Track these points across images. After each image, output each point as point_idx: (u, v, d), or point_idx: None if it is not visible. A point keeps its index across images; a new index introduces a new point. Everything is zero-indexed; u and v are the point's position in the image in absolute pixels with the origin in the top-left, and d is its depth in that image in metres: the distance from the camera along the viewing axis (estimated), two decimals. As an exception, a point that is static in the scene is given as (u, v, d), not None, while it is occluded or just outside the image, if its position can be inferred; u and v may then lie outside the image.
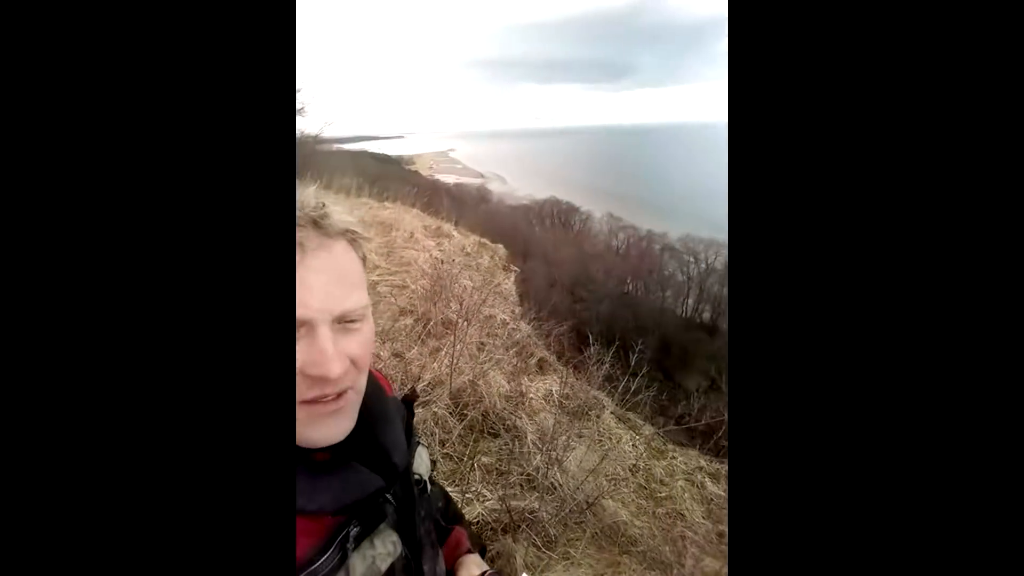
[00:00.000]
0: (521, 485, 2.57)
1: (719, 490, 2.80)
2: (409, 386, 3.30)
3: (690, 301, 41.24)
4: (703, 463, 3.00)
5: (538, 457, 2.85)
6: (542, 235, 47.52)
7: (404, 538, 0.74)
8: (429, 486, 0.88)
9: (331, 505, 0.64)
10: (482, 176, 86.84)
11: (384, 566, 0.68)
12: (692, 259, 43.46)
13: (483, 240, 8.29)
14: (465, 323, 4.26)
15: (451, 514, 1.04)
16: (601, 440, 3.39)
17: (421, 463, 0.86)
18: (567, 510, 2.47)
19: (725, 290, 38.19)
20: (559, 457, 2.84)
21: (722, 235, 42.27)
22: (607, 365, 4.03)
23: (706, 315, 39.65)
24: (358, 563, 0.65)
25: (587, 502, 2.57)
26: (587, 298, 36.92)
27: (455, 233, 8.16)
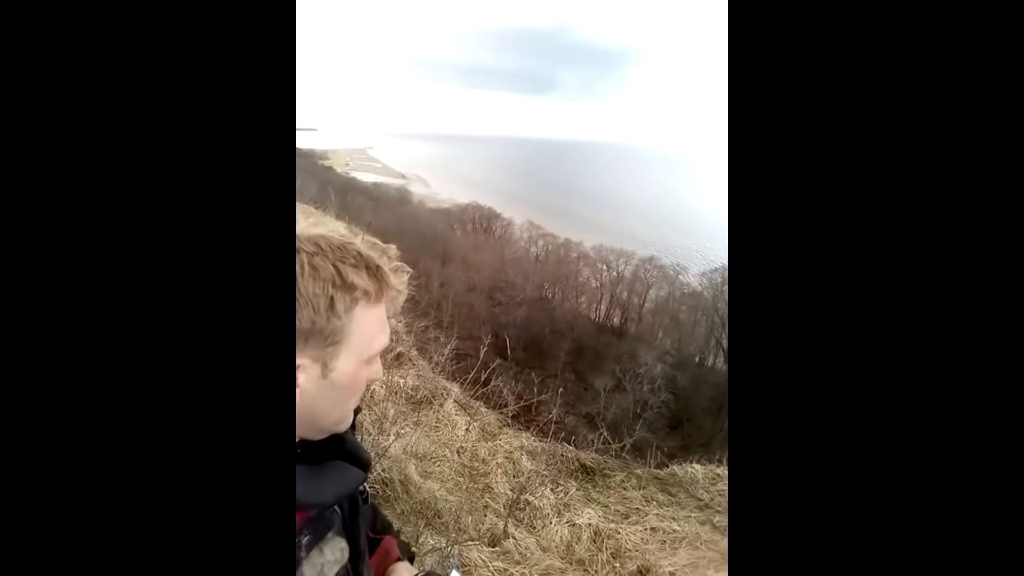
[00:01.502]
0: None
1: (532, 465, 3.04)
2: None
3: (602, 306, 43.75)
4: (525, 442, 3.24)
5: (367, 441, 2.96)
6: (463, 240, 47.40)
7: (350, 545, 0.76)
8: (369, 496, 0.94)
9: (330, 498, 0.70)
10: (403, 177, 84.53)
11: (331, 574, 0.69)
12: (604, 267, 46.10)
13: (372, 239, 8.06)
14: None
15: (380, 524, 1.07)
16: (436, 426, 3.51)
17: None
18: (381, 490, 2.64)
19: (635, 298, 41.12)
20: (385, 443, 2.95)
21: (631, 245, 45.51)
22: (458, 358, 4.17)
23: (616, 320, 42.26)
24: (308, 572, 0.66)
25: (400, 481, 2.75)
26: (505, 302, 37.50)
27: (344, 231, 7.85)
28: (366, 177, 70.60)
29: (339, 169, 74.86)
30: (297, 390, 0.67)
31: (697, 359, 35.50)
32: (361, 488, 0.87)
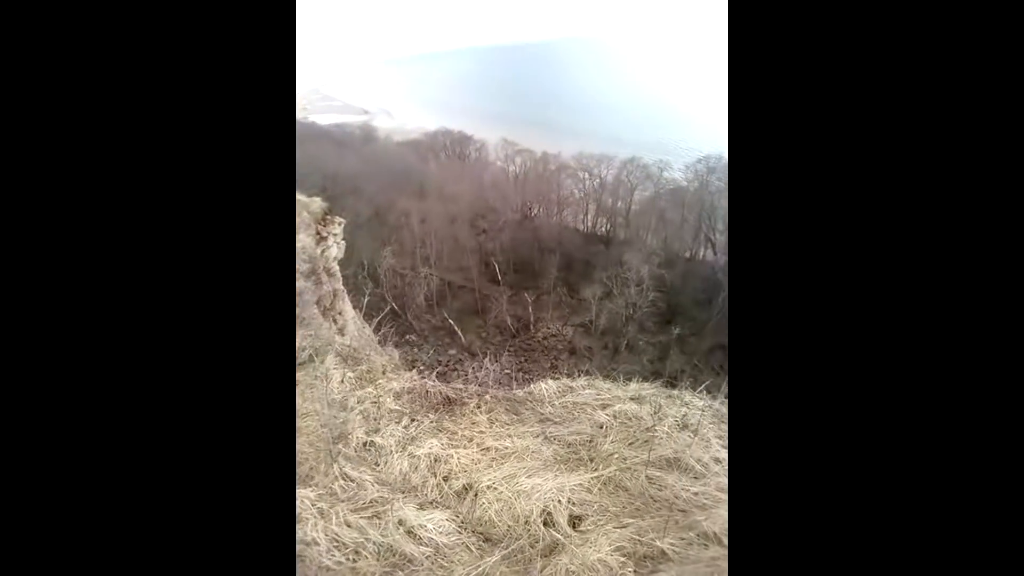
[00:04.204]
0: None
1: (396, 405, 3.13)
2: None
3: (588, 216, 43.22)
4: (401, 384, 3.31)
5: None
6: (437, 171, 45.73)
7: None
8: None
9: None
10: (366, 112, 79.65)
11: None
12: (586, 175, 44.75)
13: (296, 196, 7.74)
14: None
15: None
16: (312, 384, 3.61)
17: None
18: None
19: (619, 202, 40.46)
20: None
21: (612, 148, 43.73)
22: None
23: (602, 228, 41.91)
24: None
25: None
26: (489, 228, 37.14)
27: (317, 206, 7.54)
28: (326, 119, 66.56)
29: (297, 115, 70.47)
30: None
31: (687, 255, 35.79)
32: None
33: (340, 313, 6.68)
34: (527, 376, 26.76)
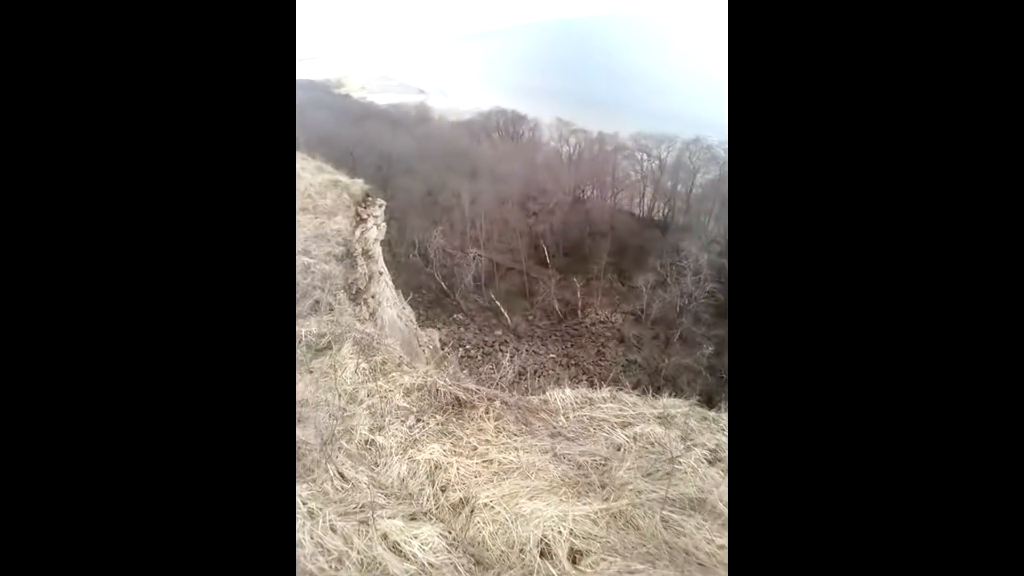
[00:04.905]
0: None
1: (404, 402, 3.01)
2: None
3: (645, 200, 41.39)
4: (413, 380, 3.16)
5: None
6: (490, 151, 45.44)
7: None
8: None
9: None
10: (422, 92, 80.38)
11: None
12: (644, 156, 42.88)
13: (336, 178, 7.75)
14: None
15: None
16: (327, 372, 3.49)
17: None
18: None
19: (679, 186, 38.30)
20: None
21: (673, 128, 41.29)
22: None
23: (659, 213, 40.11)
24: None
25: None
26: (540, 211, 36.54)
27: (304, 173, 7.58)
28: (384, 99, 67.86)
29: (356, 95, 72.37)
30: None
31: (750, 242, 33.28)
32: None
33: (373, 296, 6.70)
34: (571, 361, 26.41)
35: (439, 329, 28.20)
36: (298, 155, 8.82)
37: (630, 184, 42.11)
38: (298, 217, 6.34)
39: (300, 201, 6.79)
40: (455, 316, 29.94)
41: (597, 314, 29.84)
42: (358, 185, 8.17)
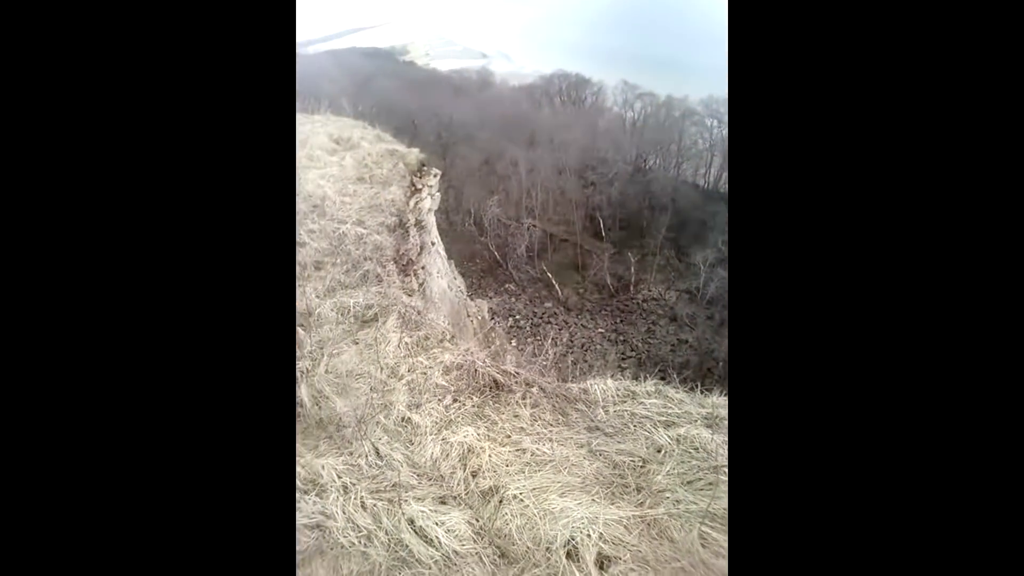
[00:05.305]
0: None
1: (444, 380, 3.04)
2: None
3: (712, 170, 38.70)
4: (453, 358, 3.12)
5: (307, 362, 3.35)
6: (550, 117, 44.11)
7: None
8: None
9: None
10: (484, 56, 78.84)
11: None
12: (715, 122, 39.83)
13: (394, 148, 7.69)
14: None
15: None
16: (371, 344, 3.47)
17: None
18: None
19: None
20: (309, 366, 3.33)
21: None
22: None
23: (727, 185, 37.41)
24: None
25: (313, 397, 3.06)
26: (598, 181, 35.25)
27: (363, 143, 7.58)
28: (446, 65, 67.37)
29: (420, 62, 72.36)
30: None
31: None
32: None
33: (423, 268, 6.77)
34: (620, 337, 25.86)
35: (490, 299, 28.59)
36: (358, 124, 8.96)
37: (697, 153, 39.40)
38: (354, 187, 6.44)
39: (357, 171, 6.88)
40: (507, 286, 30.14)
41: (650, 291, 28.82)
42: (414, 154, 8.16)
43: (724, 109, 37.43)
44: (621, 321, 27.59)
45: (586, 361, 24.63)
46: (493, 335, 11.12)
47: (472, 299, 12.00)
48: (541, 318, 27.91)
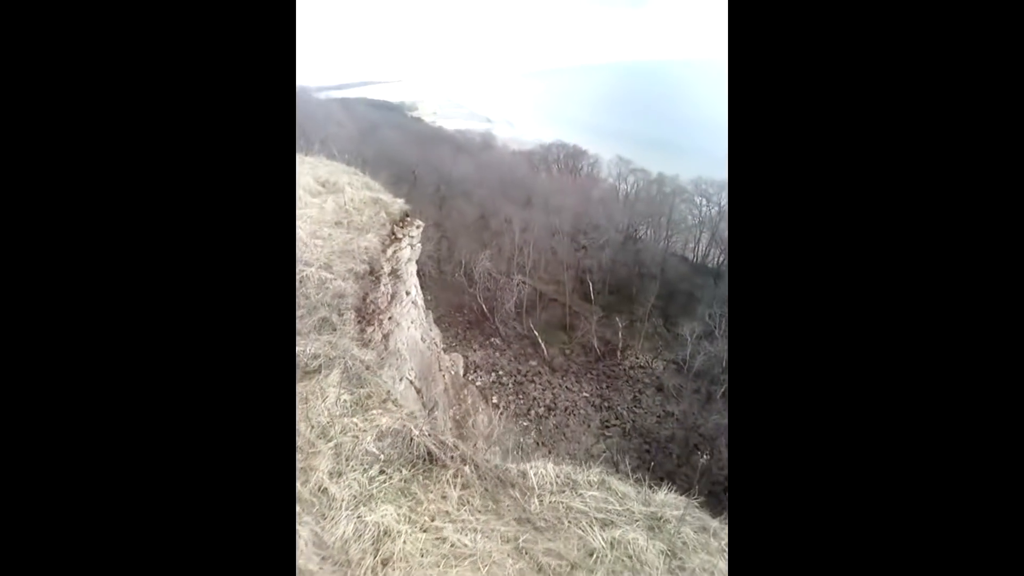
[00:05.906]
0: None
1: (374, 447, 2.75)
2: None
3: (700, 246, 39.96)
4: (389, 422, 2.94)
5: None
6: (546, 182, 45.96)
7: None
8: None
9: None
10: (489, 120, 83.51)
11: None
12: (704, 201, 41.74)
13: (378, 196, 7.78)
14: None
15: None
16: (305, 399, 3.26)
17: None
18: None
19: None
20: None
21: (737, 174, 39.89)
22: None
23: (714, 260, 38.50)
24: None
25: None
26: (589, 245, 36.08)
27: (349, 188, 7.66)
28: (452, 124, 71.07)
29: (427, 119, 76.34)
30: None
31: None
32: None
33: (391, 318, 6.58)
34: (605, 403, 25.20)
35: (475, 351, 28.07)
36: (347, 170, 9.10)
37: (686, 228, 40.86)
38: (330, 231, 6.37)
39: (336, 215, 6.85)
40: (492, 340, 29.71)
41: (637, 358, 28.55)
42: (398, 204, 8.23)
43: (713, 189, 39.35)
44: (607, 387, 27.06)
45: (568, 426, 23.81)
46: (465, 392, 10.67)
47: (448, 352, 11.69)
48: (525, 376, 27.28)
